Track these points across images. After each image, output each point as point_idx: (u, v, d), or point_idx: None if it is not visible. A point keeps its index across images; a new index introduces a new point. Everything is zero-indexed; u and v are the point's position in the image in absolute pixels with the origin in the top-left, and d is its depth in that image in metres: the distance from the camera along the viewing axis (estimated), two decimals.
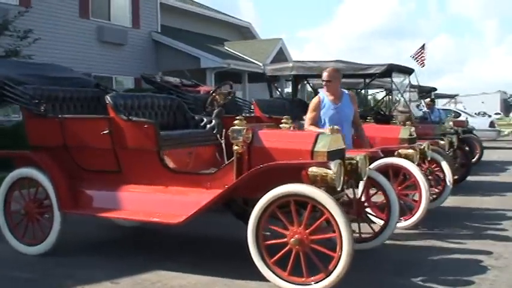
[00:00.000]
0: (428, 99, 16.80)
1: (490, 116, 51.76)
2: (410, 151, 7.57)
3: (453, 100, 32.96)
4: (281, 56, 25.63)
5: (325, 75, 7.14)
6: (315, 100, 7.24)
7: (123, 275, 5.42)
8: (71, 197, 6.10)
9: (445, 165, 8.70)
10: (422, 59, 23.13)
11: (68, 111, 6.62)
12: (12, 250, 6.35)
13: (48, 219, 6.21)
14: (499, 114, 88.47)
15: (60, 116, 6.28)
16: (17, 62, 8.68)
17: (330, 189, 4.91)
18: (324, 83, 7.19)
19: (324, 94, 7.20)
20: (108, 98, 6.03)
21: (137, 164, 5.94)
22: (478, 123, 24.09)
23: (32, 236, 6.29)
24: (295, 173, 4.98)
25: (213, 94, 7.11)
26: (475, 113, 30.40)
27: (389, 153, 7.56)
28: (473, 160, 15.15)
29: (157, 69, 22.46)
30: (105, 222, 7.59)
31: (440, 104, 28.64)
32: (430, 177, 8.95)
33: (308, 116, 7.19)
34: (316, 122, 7.09)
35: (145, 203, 5.81)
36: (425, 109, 16.19)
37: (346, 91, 7.25)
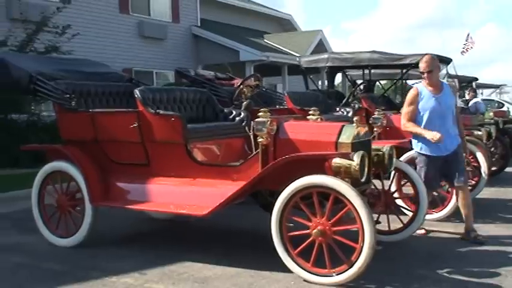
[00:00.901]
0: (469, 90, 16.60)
1: None
2: None
3: (498, 90, 32.35)
4: (321, 47, 25.49)
5: (424, 65, 6.33)
6: (412, 92, 6.44)
7: (150, 266, 5.53)
8: (101, 190, 6.22)
9: (480, 156, 8.56)
10: (468, 47, 22.83)
11: (101, 105, 6.76)
12: (46, 242, 6.52)
13: (80, 212, 6.35)
14: None
15: (90, 110, 6.41)
16: (51, 58, 8.88)
17: (354, 181, 4.91)
18: (424, 74, 6.36)
19: (421, 86, 6.43)
20: (136, 92, 6.13)
21: (165, 157, 6.02)
22: None
23: (65, 228, 6.44)
24: (319, 165, 4.99)
25: (240, 87, 7.15)
26: None
27: None
28: None
29: (197, 62, 22.64)
30: (137, 214, 7.74)
31: (485, 94, 28.19)
32: (467, 168, 8.82)
33: (404, 111, 6.45)
34: (415, 116, 6.35)
35: (173, 195, 5.90)
36: (474, 100, 16.00)
37: (445, 82, 6.78)
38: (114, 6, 19.66)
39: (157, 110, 6.01)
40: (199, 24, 23.61)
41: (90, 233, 6.26)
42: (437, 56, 11.15)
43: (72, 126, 6.53)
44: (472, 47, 23.75)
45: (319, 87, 14.90)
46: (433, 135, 5.99)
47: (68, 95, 6.39)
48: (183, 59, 21.86)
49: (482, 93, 26.29)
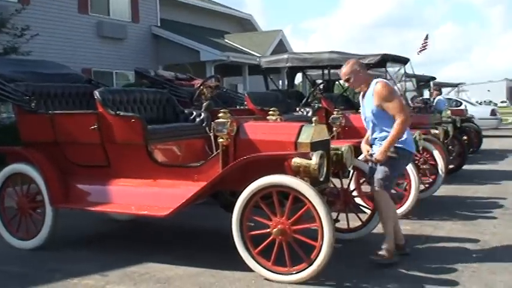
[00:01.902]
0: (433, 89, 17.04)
1: (495, 104, 51.63)
2: None
3: (456, 89, 32.92)
4: (281, 47, 25.63)
5: (341, 75, 5.95)
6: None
7: (112, 268, 5.53)
8: (62, 192, 6.21)
9: (436, 154, 8.78)
10: (424, 46, 23.29)
11: (60, 107, 6.72)
12: (6, 244, 6.47)
13: (40, 214, 6.32)
14: (505, 102, 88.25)
15: (50, 111, 6.38)
16: (9, 60, 8.79)
17: (313, 180, 5.00)
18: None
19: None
20: (96, 93, 6.12)
21: (126, 158, 6.04)
22: (479, 112, 24.09)
23: (25, 230, 6.40)
24: (279, 164, 5.06)
25: (201, 88, 7.19)
26: (480, 102, 30.37)
27: None
28: (472, 149, 15.25)
29: (157, 62, 22.55)
30: (98, 216, 7.72)
31: (443, 93, 28.67)
32: (424, 166, 9.03)
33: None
34: None
35: (134, 196, 5.92)
36: (437, 98, 16.37)
37: (375, 81, 5.76)
38: (72, 6, 19.43)
39: (118, 112, 6.02)
40: (159, 24, 23.51)
41: (51, 235, 6.24)
42: (395, 56, 11.44)
43: (32, 128, 6.49)
44: (426, 48, 24.21)
45: (280, 87, 15.00)
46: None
47: (27, 97, 6.36)
48: (143, 59, 21.74)
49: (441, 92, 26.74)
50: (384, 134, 5.61)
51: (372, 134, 5.80)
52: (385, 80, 5.83)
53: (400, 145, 5.58)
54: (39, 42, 15.11)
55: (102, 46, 20.59)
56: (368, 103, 5.69)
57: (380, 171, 5.55)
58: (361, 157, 7.01)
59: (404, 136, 5.60)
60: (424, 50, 22.67)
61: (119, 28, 21.36)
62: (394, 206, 5.75)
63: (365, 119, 5.87)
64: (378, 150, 5.57)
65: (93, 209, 6.11)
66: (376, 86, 5.59)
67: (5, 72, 6.68)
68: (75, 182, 6.27)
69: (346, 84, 6.08)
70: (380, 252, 5.44)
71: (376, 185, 5.55)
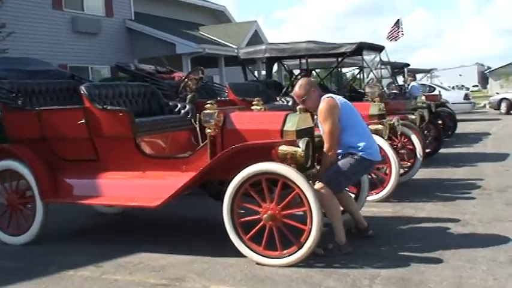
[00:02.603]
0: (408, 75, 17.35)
1: (468, 88, 52.25)
2: (380, 126, 7.82)
3: (429, 75, 33.37)
4: (256, 38, 25.77)
5: (296, 95, 5.93)
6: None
7: (106, 259, 5.64)
8: (51, 187, 6.28)
9: (414, 138, 9.01)
10: (398, 34, 23.53)
11: (45, 103, 6.78)
12: None
13: (31, 210, 6.40)
14: (477, 86, 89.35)
15: (37, 108, 6.45)
16: None
17: (300, 166, 5.16)
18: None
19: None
20: (82, 88, 6.20)
21: (114, 152, 6.13)
22: (453, 97, 24.47)
23: (16, 226, 6.48)
24: (266, 152, 5.21)
25: (185, 80, 7.31)
26: (452, 87, 30.75)
27: None
28: (447, 133, 15.56)
29: (132, 57, 22.55)
30: (88, 210, 7.84)
31: (417, 79, 29.05)
32: (402, 151, 9.25)
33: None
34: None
35: (123, 188, 6.02)
36: (412, 84, 16.66)
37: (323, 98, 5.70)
38: (47, 2, 19.39)
39: (105, 106, 6.12)
40: (133, 18, 23.50)
41: (42, 229, 6.32)
42: (371, 44, 11.65)
43: (19, 125, 6.54)
44: (400, 35, 24.43)
45: (257, 78, 15.15)
46: None
47: (13, 94, 6.42)
48: (118, 54, 21.73)
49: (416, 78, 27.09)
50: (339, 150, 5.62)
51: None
52: (330, 97, 5.64)
53: (359, 153, 5.57)
54: (14, 39, 15.07)
55: (77, 41, 20.57)
56: (318, 121, 5.74)
57: (331, 169, 5.51)
58: None
59: (362, 144, 5.57)
60: (397, 37, 22.94)
61: (93, 23, 21.34)
62: (336, 203, 5.56)
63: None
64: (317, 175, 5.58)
65: (83, 202, 6.21)
66: (320, 104, 5.62)
67: None
68: (65, 176, 6.35)
69: (300, 106, 5.61)
70: (329, 246, 5.41)
71: (321, 180, 5.44)
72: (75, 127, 6.15)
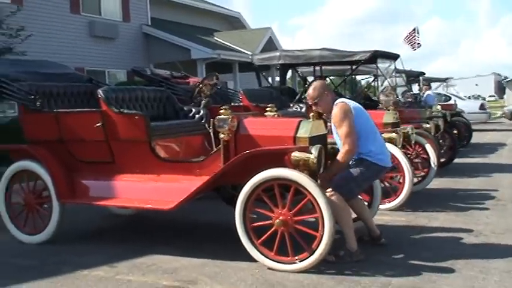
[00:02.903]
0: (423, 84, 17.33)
1: (484, 98, 51.93)
2: (393, 135, 7.85)
3: (445, 84, 33.25)
4: (271, 44, 25.84)
5: (308, 97, 5.95)
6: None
7: (119, 260, 5.74)
8: (68, 188, 6.39)
9: (429, 148, 9.01)
10: (415, 42, 23.68)
11: (62, 105, 6.89)
12: (14, 240, 6.66)
13: (47, 210, 6.51)
14: (494, 96, 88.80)
15: (55, 110, 6.56)
16: (12, 60, 8.93)
17: (312, 173, 5.20)
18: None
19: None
20: (100, 92, 6.31)
21: (129, 154, 6.22)
22: (469, 106, 24.35)
23: (33, 225, 6.58)
24: (279, 158, 5.25)
25: (200, 85, 7.38)
26: (468, 96, 30.63)
27: None
28: (462, 143, 15.52)
29: (148, 61, 22.69)
30: (103, 211, 7.96)
31: (432, 88, 28.99)
32: (416, 160, 9.26)
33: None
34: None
35: (138, 191, 6.12)
36: (427, 93, 16.64)
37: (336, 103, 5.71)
38: (65, 6, 19.56)
39: (121, 109, 6.21)
40: (149, 23, 23.65)
41: (57, 229, 6.43)
42: (385, 52, 11.66)
43: (37, 127, 6.66)
44: (416, 45, 24.49)
45: (271, 84, 15.20)
46: None
47: (32, 96, 6.53)
48: (134, 58, 21.87)
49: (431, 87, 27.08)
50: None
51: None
52: (343, 102, 5.65)
53: (367, 158, 5.60)
54: (33, 42, 15.20)
55: (94, 45, 20.73)
56: (333, 126, 5.74)
57: (342, 175, 5.54)
58: None
59: (373, 149, 5.60)
60: (413, 44, 23.02)
61: (111, 28, 21.51)
62: (347, 210, 5.53)
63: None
64: (322, 175, 5.43)
65: (98, 203, 6.31)
66: (334, 110, 5.63)
67: (9, 73, 6.86)
68: (81, 177, 6.46)
69: (314, 108, 5.80)
70: (340, 253, 5.44)
71: (332, 186, 5.41)
72: (92, 130, 6.24)
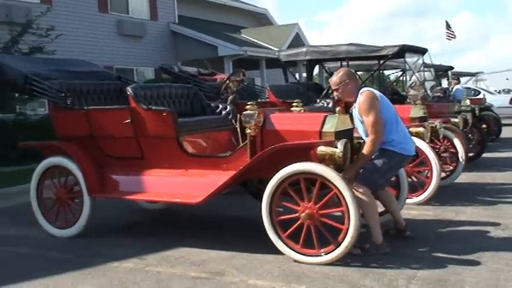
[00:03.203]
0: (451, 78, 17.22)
1: None
2: (421, 129, 7.85)
3: (474, 78, 32.94)
4: (298, 40, 25.86)
5: (331, 83, 6.00)
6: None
7: (149, 252, 5.86)
8: (98, 183, 6.54)
9: (457, 142, 8.99)
10: (453, 34, 23.73)
11: (92, 103, 7.04)
12: (45, 234, 6.83)
13: (78, 204, 6.66)
14: None
15: (85, 107, 6.71)
16: (43, 59, 9.14)
17: (338, 167, 5.26)
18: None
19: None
20: (129, 89, 6.44)
21: (158, 150, 6.35)
22: (498, 101, 24.08)
23: (64, 220, 6.75)
24: (305, 153, 5.33)
25: (226, 82, 7.47)
26: (498, 91, 30.22)
27: None
28: (491, 137, 15.40)
29: (176, 59, 22.86)
30: (133, 206, 8.11)
31: (461, 82, 28.76)
32: (444, 154, 9.25)
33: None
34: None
35: (167, 185, 6.23)
36: (456, 87, 16.55)
37: (362, 91, 5.69)
38: (93, 5, 19.84)
39: (150, 106, 6.32)
40: (177, 21, 23.83)
41: (88, 223, 6.58)
42: (413, 46, 11.63)
43: (67, 124, 6.81)
44: (452, 38, 24.44)
45: (298, 80, 15.23)
46: None
47: (63, 94, 6.68)
48: (162, 56, 22.06)
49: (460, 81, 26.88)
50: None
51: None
52: (369, 91, 5.64)
53: (389, 148, 5.58)
54: (62, 41, 15.42)
55: (122, 44, 21.00)
56: (356, 115, 5.77)
57: (365, 168, 5.57)
58: None
59: (395, 138, 5.58)
60: (452, 37, 23.05)
61: (138, 26, 21.73)
62: (373, 203, 5.52)
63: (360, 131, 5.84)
64: (348, 167, 5.46)
65: (128, 197, 6.45)
66: (359, 98, 5.61)
67: (40, 71, 7.03)
68: (111, 173, 6.60)
69: (335, 94, 6.00)
70: (366, 246, 5.49)
71: (357, 179, 5.49)
72: (121, 126, 6.38)
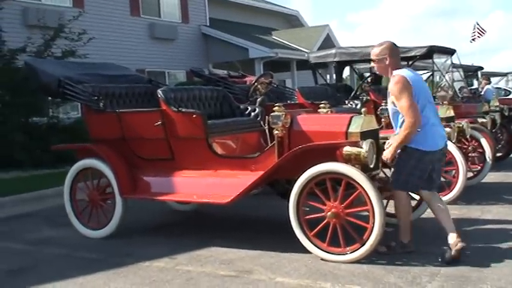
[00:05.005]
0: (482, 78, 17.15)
1: None
2: (448, 129, 7.89)
3: (505, 78, 32.66)
4: (328, 42, 25.92)
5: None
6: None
7: (179, 252, 6.02)
8: (130, 184, 6.72)
9: (484, 142, 9.00)
10: (477, 35, 23.67)
11: (124, 106, 7.23)
12: (78, 235, 7.03)
13: (110, 205, 6.84)
14: None
15: (117, 110, 6.90)
16: (76, 63, 9.36)
17: (364, 167, 5.37)
18: None
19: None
20: (159, 92, 6.61)
21: (188, 151, 6.51)
22: None
23: (97, 221, 6.94)
24: (331, 153, 5.45)
25: (255, 84, 7.61)
26: None
27: None
28: None
29: (207, 61, 23.10)
30: (163, 207, 8.29)
31: (493, 82, 28.53)
32: (472, 154, 9.26)
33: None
34: None
35: (196, 186, 6.39)
36: (486, 87, 16.48)
37: (395, 72, 5.43)
38: (125, 9, 20.14)
39: (180, 108, 6.49)
40: (208, 24, 24.06)
41: (120, 224, 6.76)
42: (442, 47, 11.62)
43: (100, 126, 7.01)
44: (479, 36, 24.29)
45: (328, 81, 15.30)
46: None
47: (95, 97, 6.88)
48: (193, 59, 22.30)
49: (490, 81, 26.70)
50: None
51: (396, 129, 5.53)
52: (402, 73, 5.32)
53: (410, 145, 5.33)
54: (94, 45, 15.67)
55: (154, 47, 21.24)
56: (389, 95, 5.50)
57: (393, 171, 5.56)
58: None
59: (417, 134, 5.27)
60: (475, 38, 22.97)
61: (170, 29, 21.99)
62: (405, 204, 5.52)
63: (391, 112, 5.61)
64: (386, 149, 5.41)
65: (159, 198, 6.61)
66: (391, 80, 5.36)
67: (73, 75, 7.24)
68: (142, 174, 6.78)
69: (372, 64, 5.69)
70: (392, 244, 5.56)
71: (391, 186, 5.56)
72: (152, 128, 6.55)
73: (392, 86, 5.31)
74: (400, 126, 5.36)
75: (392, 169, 5.61)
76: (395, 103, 5.32)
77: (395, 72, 5.40)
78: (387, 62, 5.45)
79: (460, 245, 5.24)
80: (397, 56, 5.54)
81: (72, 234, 7.08)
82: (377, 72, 5.97)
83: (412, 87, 5.26)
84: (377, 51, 5.51)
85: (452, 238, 5.31)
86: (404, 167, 5.43)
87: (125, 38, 19.82)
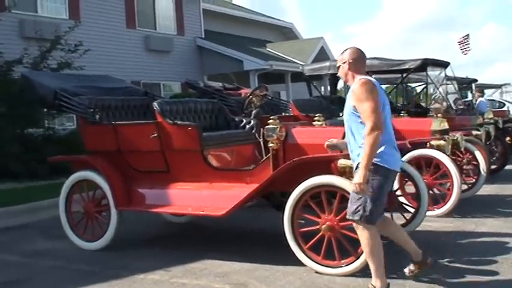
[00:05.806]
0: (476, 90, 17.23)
1: None
2: (442, 142, 7.95)
3: (500, 90, 32.74)
4: (323, 54, 26.03)
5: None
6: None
7: (174, 264, 6.02)
8: (125, 196, 6.74)
9: (478, 154, 9.04)
10: (466, 48, 23.78)
11: (120, 118, 7.26)
12: (73, 247, 7.02)
13: (105, 217, 6.85)
14: None
15: (113, 122, 6.92)
16: (72, 75, 9.38)
17: None
18: None
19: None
20: (155, 105, 6.64)
21: (183, 164, 6.52)
22: None
23: (92, 233, 6.93)
24: (326, 166, 5.48)
25: (250, 97, 7.63)
26: None
27: (420, 144, 7.98)
28: None
29: (202, 73, 23.14)
30: (156, 219, 8.29)
31: (487, 94, 28.59)
32: (467, 166, 9.30)
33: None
34: None
35: (191, 198, 6.41)
36: (479, 100, 16.54)
37: (359, 78, 4.77)
38: (121, 22, 20.17)
39: (175, 121, 6.51)
40: (203, 36, 24.11)
41: (115, 236, 6.76)
42: (436, 60, 11.68)
43: (96, 138, 7.04)
44: (466, 50, 24.50)
45: (322, 94, 15.33)
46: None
47: (91, 109, 6.90)
48: (188, 70, 22.33)
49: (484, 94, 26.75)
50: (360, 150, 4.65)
51: (349, 143, 4.92)
52: (367, 79, 4.72)
53: (375, 159, 4.58)
54: (90, 57, 15.69)
55: (149, 59, 21.27)
56: (347, 102, 4.88)
57: (352, 199, 4.73)
58: (404, 158, 7.33)
59: (382, 148, 4.60)
60: (468, 50, 23.11)
61: (165, 41, 22.03)
62: (378, 242, 4.75)
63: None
64: (356, 175, 4.62)
65: (154, 210, 6.64)
66: (355, 83, 4.73)
67: (68, 87, 7.27)
68: (137, 186, 6.80)
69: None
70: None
71: (351, 217, 4.72)
72: (148, 140, 6.57)
73: (357, 88, 4.65)
74: (355, 141, 4.78)
75: (352, 197, 4.74)
76: (357, 106, 4.65)
77: (361, 76, 4.77)
78: (347, 67, 4.88)
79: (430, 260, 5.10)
80: (360, 62, 4.95)
81: (67, 246, 7.08)
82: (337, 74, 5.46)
83: (379, 93, 4.66)
84: (340, 56, 5.04)
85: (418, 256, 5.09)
86: (372, 192, 4.61)
87: (121, 50, 19.85)
